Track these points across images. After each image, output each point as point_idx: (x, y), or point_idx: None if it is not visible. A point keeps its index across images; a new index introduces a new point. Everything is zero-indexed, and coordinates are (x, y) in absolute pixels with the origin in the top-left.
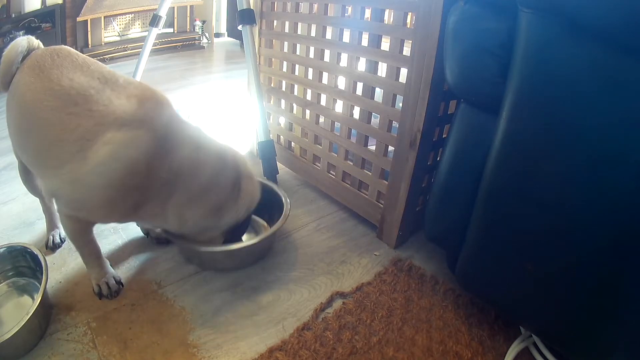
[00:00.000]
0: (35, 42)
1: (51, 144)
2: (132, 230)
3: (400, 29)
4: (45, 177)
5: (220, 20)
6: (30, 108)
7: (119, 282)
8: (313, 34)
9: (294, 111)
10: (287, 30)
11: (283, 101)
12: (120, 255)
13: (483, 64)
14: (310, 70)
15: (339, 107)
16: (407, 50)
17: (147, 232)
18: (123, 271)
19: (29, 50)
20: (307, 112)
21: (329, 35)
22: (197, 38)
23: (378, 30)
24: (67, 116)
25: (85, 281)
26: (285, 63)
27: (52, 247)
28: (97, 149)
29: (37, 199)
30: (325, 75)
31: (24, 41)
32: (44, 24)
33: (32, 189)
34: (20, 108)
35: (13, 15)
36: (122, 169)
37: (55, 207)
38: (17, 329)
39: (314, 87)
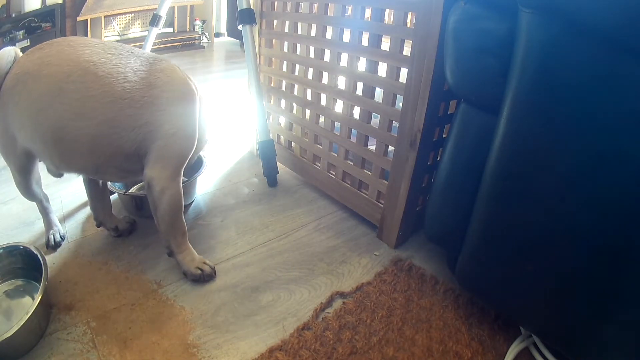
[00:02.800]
0: (20, 52)
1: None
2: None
3: (401, 28)
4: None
5: (220, 20)
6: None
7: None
8: (313, 33)
9: (294, 111)
10: (287, 30)
11: (283, 101)
12: (119, 254)
13: (483, 64)
14: (310, 70)
15: (339, 107)
16: (407, 50)
17: (100, 224)
18: (122, 270)
19: (15, 60)
20: (307, 112)
21: (329, 35)
22: (197, 38)
23: (378, 30)
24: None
25: (85, 281)
26: (285, 63)
27: (52, 246)
28: (160, 86)
29: None
30: (325, 75)
31: (12, 51)
32: (44, 23)
33: (31, 194)
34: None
35: (13, 15)
36: (187, 81)
37: (149, 189)
38: (17, 329)
39: (314, 87)
